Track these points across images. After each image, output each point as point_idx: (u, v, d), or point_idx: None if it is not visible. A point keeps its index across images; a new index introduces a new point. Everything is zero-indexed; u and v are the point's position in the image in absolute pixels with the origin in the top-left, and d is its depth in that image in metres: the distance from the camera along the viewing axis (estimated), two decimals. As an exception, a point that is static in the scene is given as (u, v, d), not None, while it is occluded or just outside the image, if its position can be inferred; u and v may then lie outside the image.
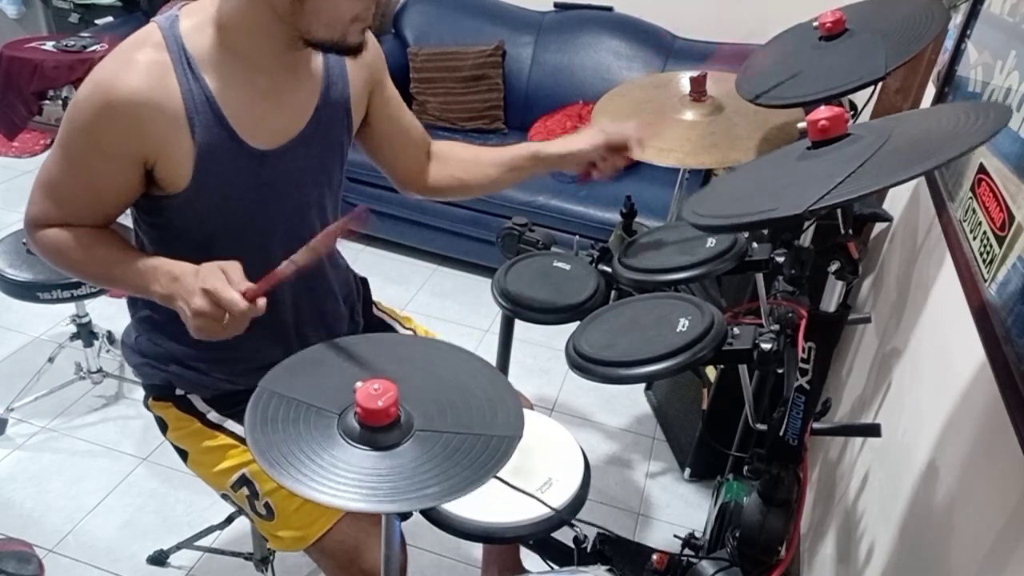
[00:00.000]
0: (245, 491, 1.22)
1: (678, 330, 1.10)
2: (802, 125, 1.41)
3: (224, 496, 1.28)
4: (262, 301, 0.98)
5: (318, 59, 1.16)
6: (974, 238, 1.16)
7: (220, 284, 0.96)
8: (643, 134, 1.30)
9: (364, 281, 1.49)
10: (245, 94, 1.08)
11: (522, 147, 1.34)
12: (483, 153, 1.38)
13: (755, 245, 1.28)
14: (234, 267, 0.99)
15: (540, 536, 1.12)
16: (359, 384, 0.82)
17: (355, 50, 1.08)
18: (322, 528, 1.19)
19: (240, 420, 1.24)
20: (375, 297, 1.52)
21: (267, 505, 1.20)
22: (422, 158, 1.38)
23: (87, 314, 2.26)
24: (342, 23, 1.03)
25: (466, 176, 1.38)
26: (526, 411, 0.92)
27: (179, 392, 1.27)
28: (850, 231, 1.03)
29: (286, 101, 1.13)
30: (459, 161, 1.39)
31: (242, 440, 1.23)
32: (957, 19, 1.53)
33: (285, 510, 1.19)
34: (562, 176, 2.96)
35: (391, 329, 1.49)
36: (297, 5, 1.00)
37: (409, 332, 1.50)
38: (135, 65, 1.01)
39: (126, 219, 1.20)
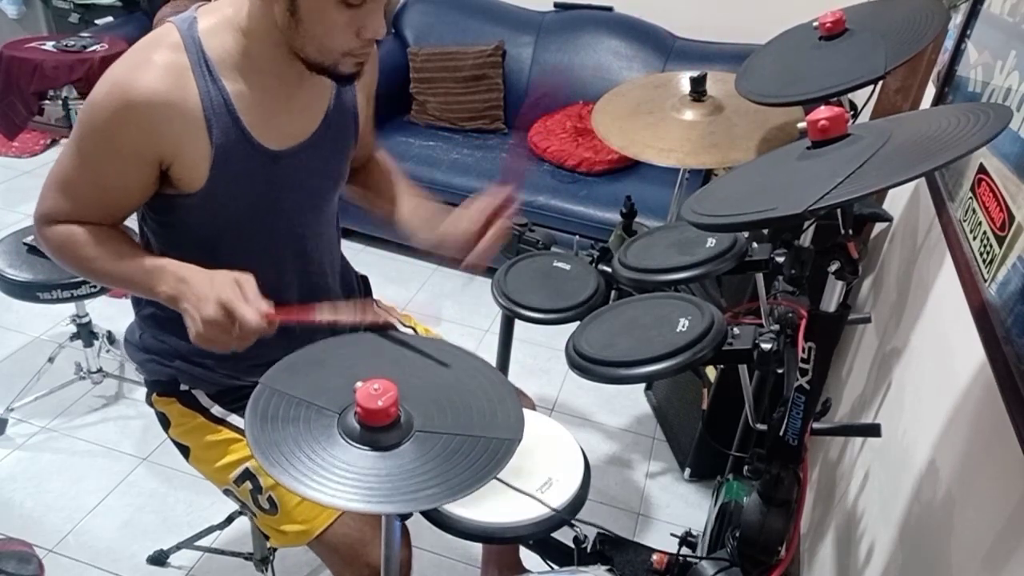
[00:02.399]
0: (248, 485, 1.22)
1: (678, 330, 1.10)
2: (802, 125, 1.41)
3: (227, 492, 1.27)
4: (275, 323, 0.98)
5: None
6: (974, 238, 1.16)
7: (236, 298, 0.96)
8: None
9: (364, 279, 1.49)
10: (260, 96, 1.08)
11: (427, 211, 1.26)
12: (400, 194, 1.32)
13: (755, 245, 1.28)
14: (248, 281, 0.99)
15: (540, 536, 1.12)
16: (359, 384, 0.82)
17: (346, 79, 1.08)
18: (326, 521, 1.19)
19: (244, 415, 1.24)
20: (375, 296, 1.52)
21: (271, 499, 1.20)
22: (359, 160, 1.35)
23: (87, 314, 2.26)
24: (333, 54, 1.03)
25: (375, 197, 1.34)
26: (526, 411, 0.92)
27: (183, 387, 1.27)
28: (850, 231, 1.03)
29: (298, 104, 1.14)
30: (376, 184, 1.35)
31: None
32: (957, 19, 1.53)
33: (289, 503, 1.20)
34: (561, 177, 2.96)
35: (391, 327, 1.49)
36: (292, 23, 1.00)
37: (409, 330, 1.50)
38: (153, 66, 1.01)
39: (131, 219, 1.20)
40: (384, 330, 1.45)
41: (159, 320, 1.24)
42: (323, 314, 1.04)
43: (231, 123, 1.06)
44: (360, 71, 1.08)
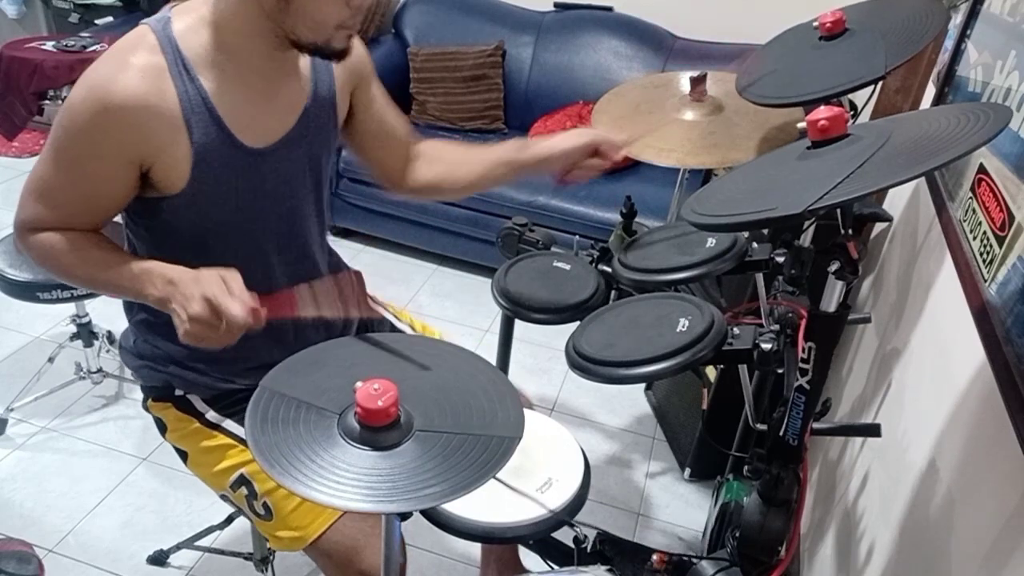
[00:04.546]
0: (244, 491, 1.22)
1: (678, 330, 1.10)
2: (802, 125, 1.41)
3: (223, 496, 1.28)
4: (262, 316, 0.98)
5: (305, 57, 1.16)
6: (974, 238, 1.16)
7: (221, 293, 0.96)
8: (634, 135, 1.29)
9: (358, 274, 1.49)
10: (239, 93, 1.08)
11: (508, 145, 1.33)
12: (469, 153, 1.37)
13: (755, 245, 1.28)
14: (234, 277, 0.98)
15: (540, 536, 1.12)
16: (359, 384, 0.82)
17: (339, 55, 1.08)
18: (320, 528, 1.19)
19: (238, 420, 1.24)
20: (371, 294, 1.52)
21: (265, 505, 1.20)
22: (405, 157, 1.38)
23: (87, 314, 2.26)
24: (326, 28, 1.03)
25: (447, 177, 1.37)
26: (526, 411, 0.92)
27: (178, 392, 1.27)
28: (850, 231, 1.03)
29: (277, 99, 1.13)
30: (443, 161, 1.39)
31: (240, 440, 1.23)
32: (957, 19, 1.53)
33: (283, 510, 1.20)
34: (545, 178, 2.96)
35: (387, 322, 1.49)
36: (283, 4, 1.00)
37: (406, 325, 1.50)
38: (130, 68, 1.01)
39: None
40: (372, 324, 1.45)
41: (152, 326, 1.24)
42: (305, 306, 1.03)
43: (211, 122, 1.06)
44: (351, 46, 1.09)
